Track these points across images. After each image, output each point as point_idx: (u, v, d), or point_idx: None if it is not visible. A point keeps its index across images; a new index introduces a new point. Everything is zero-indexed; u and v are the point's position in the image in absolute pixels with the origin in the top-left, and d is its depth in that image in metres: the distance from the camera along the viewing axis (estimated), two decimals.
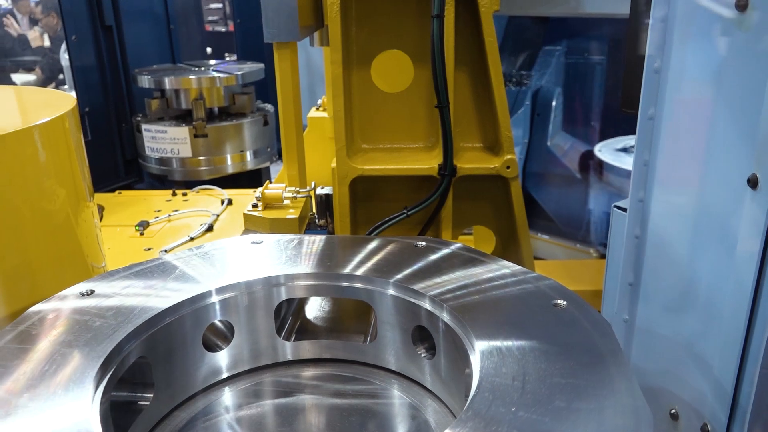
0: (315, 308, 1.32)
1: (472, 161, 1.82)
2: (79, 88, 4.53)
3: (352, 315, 1.29)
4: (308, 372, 1.15)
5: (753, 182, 0.87)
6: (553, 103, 4.79)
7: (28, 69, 5.36)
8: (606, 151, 3.69)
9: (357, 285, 1.10)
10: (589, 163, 4.61)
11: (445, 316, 0.99)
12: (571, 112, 4.91)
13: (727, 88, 0.92)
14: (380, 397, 1.09)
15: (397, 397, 1.08)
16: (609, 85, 4.46)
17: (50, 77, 5.28)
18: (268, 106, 4.39)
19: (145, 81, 4.22)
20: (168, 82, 4.13)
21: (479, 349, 0.88)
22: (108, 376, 0.88)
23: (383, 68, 1.86)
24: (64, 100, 1.65)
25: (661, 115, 1.04)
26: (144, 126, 4.17)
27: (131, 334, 0.95)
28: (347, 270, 1.12)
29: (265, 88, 4.78)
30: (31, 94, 1.85)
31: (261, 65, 4.36)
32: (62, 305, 1.03)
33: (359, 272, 1.10)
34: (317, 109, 3.13)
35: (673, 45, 1.00)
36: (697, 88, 0.98)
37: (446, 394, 1.05)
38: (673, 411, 1.10)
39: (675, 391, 1.09)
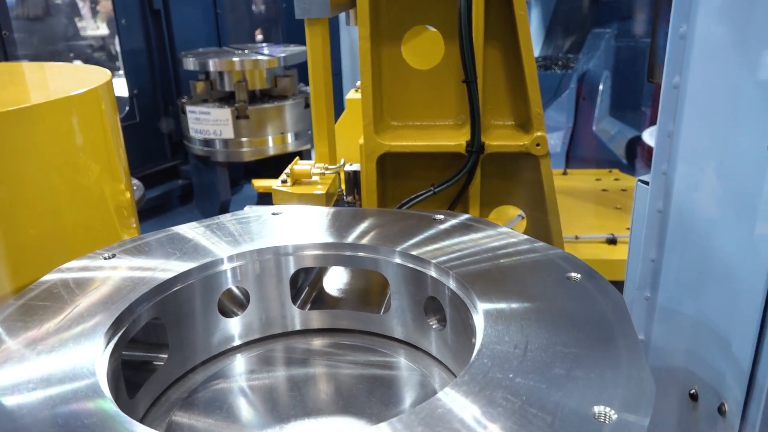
0: (334, 279, 1.33)
1: (501, 138, 1.79)
2: (128, 71, 4.66)
3: (370, 287, 1.29)
4: (320, 341, 1.16)
5: None
6: (600, 87, 4.67)
7: (86, 56, 5.52)
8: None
9: (361, 254, 1.10)
10: (637, 149, 4.49)
11: (452, 284, 0.98)
12: (620, 96, 4.78)
13: (753, 52, 0.88)
14: (390, 367, 1.09)
15: (406, 366, 1.08)
16: None
17: (110, 67, 5.43)
18: (308, 88, 4.42)
19: (190, 63, 4.30)
20: (212, 65, 4.20)
21: (484, 317, 0.87)
22: (119, 334, 0.91)
23: (413, 44, 1.84)
24: (99, 74, 1.70)
25: (686, 83, 1.00)
26: (188, 108, 4.26)
27: (143, 296, 0.97)
28: (354, 239, 1.12)
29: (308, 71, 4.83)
30: (68, 69, 1.90)
31: (303, 48, 4.37)
32: (82, 268, 1.06)
33: (365, 241, 1.10)
34: (356, 90, 3.13)
35: (699, 10, 0.95)
36: (722, 54, 0.93)
37: (455, 364, 1.04)
38: (692, 391, 1.06)
39: (695, 371, 1.06)
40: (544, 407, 0.70)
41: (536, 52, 5.49)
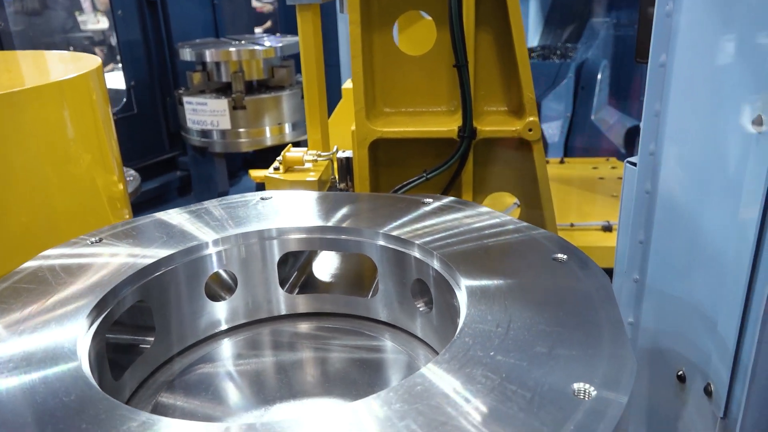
0: (323, 264, 1.33)
1: (494, 124, 1.79)
2: (125, 63, 4.65)
3: (360, 271, 1.29)
4: (307, 325, 1.16)
5: (758, 123, 0.82)
6: (599, 76, 4.64)
7: (84, 49, 5.51)
8: None
9: (344, 237, 1.09)
10: (636, 138, 4.48)
11: (436, 264, 0.98)
12: (618, 85, 4.76)
13: (738, 31, 0.87)
14: (376, 350, 1.09)
15: (393, 349, 1.08)
16: None
17: (110, 59, 5.40)
18: None
19: (186, 54, 4.29)
20: (209, 55, 4.19)
21: (467, 297, 0.87)
22: (103, 317, 0.91)
23: (405, 30, 1.83)
24: (89, 61, 1.69)
25: (672, 62, 0.99)
26: (185, 98, 4.25)
27: (127, 279, 0.97)
28: (338, 222, 1.11)
29: None
30: (58, 56, 1.90)
31: None
32: (68, 252, 1.06)
33: (349, 224, 1.10)
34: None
35: None
36: (708, 33, 0.93)
37: (441, 345, 1.04)
38: (680, 373, 1.06)
39: (683, 353, 1.05)
40: (524, 384, 0.70)
41: (534, 41, 5.46)
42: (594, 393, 0.68)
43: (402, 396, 0.69)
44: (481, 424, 0.64)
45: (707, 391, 0.97)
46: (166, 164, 4.96)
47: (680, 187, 1.02)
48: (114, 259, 1.02)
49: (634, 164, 1.12)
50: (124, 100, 4.66)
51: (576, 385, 0.69)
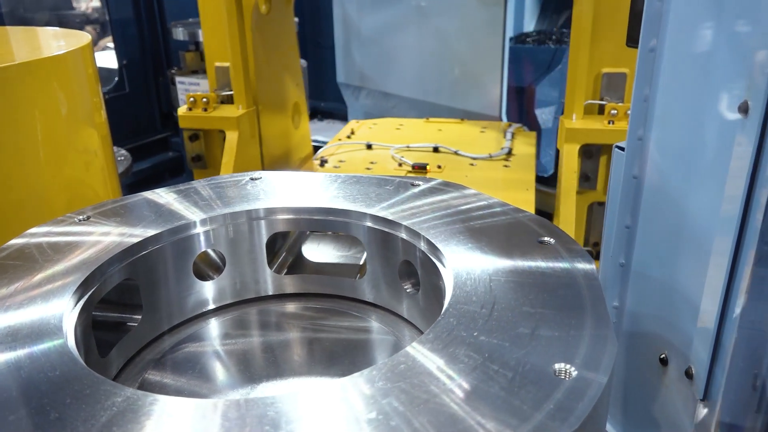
0: (312, 245, 1.33)
1: None
2: (117, 41, 4.61)
3: (349, 252, 1.29)
4: (295, 305, 1.17)
5: (743, 109, 0.82)
6: None
7: (75, 27, 5.45)
8: None
9: (332, 218, 1.10)
10: None
11: (422, 246, 0.99)
12: None
13: (727, 16, 0.87)
14: (363, 330, 1.10)
15: (379, 330, 1.09)
16: None
17: (101, 38, 5.35)
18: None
19: (180, 33, 4.25)
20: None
21: (453, 278, 0.87)
22: (89, 294, 0.91)
23: None
24: (79, 37, 1.68)
25: (662, 47, 1.00)
26: (178, 78, 4.21)
27: (114, 257, 0.97)
28: (327, 203, 1.11)
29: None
30: (48, 33, 1.88)
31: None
32: (56, 229, 1.05)
33: (337, 205, 1.10)
34: None
35: None
36: (696, 17, 0.93)
37: (427, 326, 1.04)
38: (662, 356, 1.07)
39: (666, 336, 1.07)
40: (506, 364, 0.70)
41: (530, 26, 5.45)
42: (575, 373, 0.69)
43: (386, 374, 0.70)
44: (463, 402, 0.64)
45: (688, 374, 0.98)
46: (159, 144, 4.95)
47: (667, 172, 1.03)
48: (101, 237, 1.02)
49: (623, 149, 1.12)
50: (116, 79, 4.63)
51: (557, 366, 0.70)
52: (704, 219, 0.95)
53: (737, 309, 0.88)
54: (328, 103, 6.33)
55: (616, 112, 2.53)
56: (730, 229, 0.86)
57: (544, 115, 4.67)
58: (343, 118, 6.12)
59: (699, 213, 0.96)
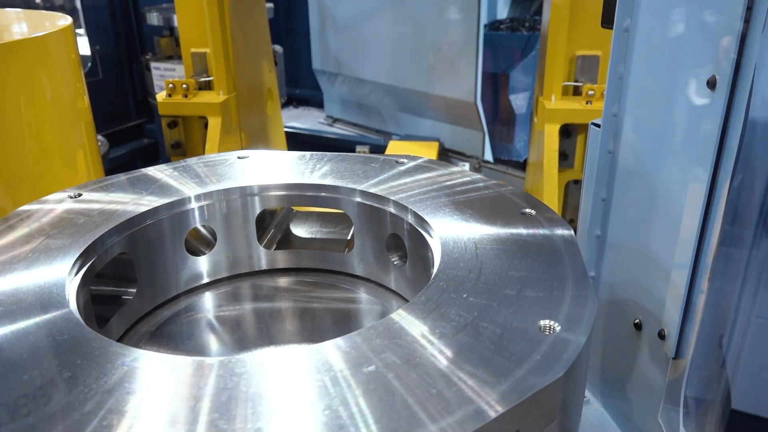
0: (300, 221, 1.36)
1: None
2: (89, 26, 4.55)
3: (335, 228, 1.33)
4: (285, 279, 1.20)
5: (711, 84, 0.88)
6: None
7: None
8: None
9: (323, 194, 1.13)
10: None
11: (410, 218, 1.03)
12: None
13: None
14: (352, 301, 1.14)
15: (368, 300, 1.13)
16: None
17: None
18: (277, 47, 4.38)
19: (154, 18, 4.22)
20: (176, 20, 4.12)
21: (441, 246, 0.92)
22: (88, 265, 0.93)
23: None
24: (60, 19, 1.68)
25: (636, 26, 1.05)
26: (153, 64, 4.18)
27: (112, 230, 0.99)
28: (317, 180, 1.15)
29: (276, 27, 4.77)
30: (29, 15, 1.87)
31: (270, 5, 4.32)
32: (50, 206, 1.07)
33: (328, 182, 1.14)
34: None
35: None
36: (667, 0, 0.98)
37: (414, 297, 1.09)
38: (636, 321, 1.13)
39: (640, 302, 1.13)
40: (494, 321, 0.75)
41: (503, 13, 5.50)
42: (558, 328, 0.74)
43: (380, 333, 0.74)
44: (455, 355, 0.69)
45: (661, 335, 1.04)
46: (133, 131, 4.90)
47: (640, 146, 1.08)
48: (97, 211, 1.04)
49: (598, 126, 1.18)
50: (89, 65, 4.57)
51: (542, 322, 0.75)
52: (674, 190, 1.01)
53: (705, 275, 0.94)
54: (303, 90, 6.33)
55: (593, 92, 2.62)
56: (698, 201, 0.92)
57: (518, 101, 4.73)
58: (319, 104, 6.13)
59: (670, 185, 1.02)
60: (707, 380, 1.03)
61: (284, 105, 4.93)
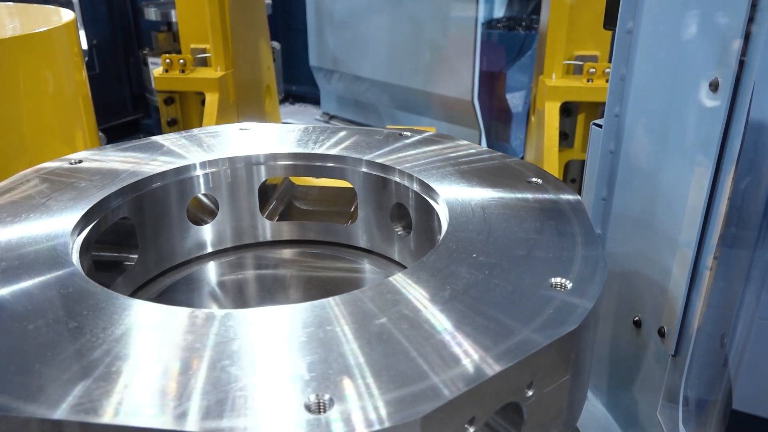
0: (303, 193, 1.36)
1: None
2: (86, 20, 4.54)
3: (338, 201, 1.32)
4: (288, 250, 1.19)
5: (714, 86, 0.88)
6: None
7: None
8: None
9: (330, 164, 1.13)
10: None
11: (416, 187, 1.02)
12: None
13: (700, 4, 0.92)
14: (355, 271, 1.13)
15: (371, 270, 1.12)
16: None
17: None
18: (275, 44, 4.37)
19: (151, 14, 4.20)
20: (174, 15, 4.11)
21: (448, 210, 0.91)
22: (90, 227, 0.92)
23: None
24: (63, 13, 1.67)
25: (638, 29, 1.05)
26: (150, 59, 4.17)
27: (115, 193, 0.98)
28: (322, 151, 1.14)
29: (273, 23, 4.76)
30: (33, 9, 1.87)
31: (268, 1, 4.32)
32: (51, 170, 1.06)
33: (334, 152, 1.13)
34: None
35: None
36: (672, 3, 0.97)
37: None
38: (636, 319, 1.13)
39: (640, 300, 1.13)
40: (506, 278, 0.74)
41: (500, 12, 5.52)
42: (570, 285, 0.73)
43: (392, 288, 0.73)
44: (468, 309, 0.68)
45: (661, 333, 1.05)
46: (130, 126, 4.88)
47: (641, 147, 1.08)
48: (100, 175, 1.03)
49: (600, 126, 1.18)
50: (86, 59, 4.55)
51: (553, 279, 0.74)
52: (675, 191, 1.01)
53: (705, 275, 0.95)
54: (300, 86, 6.32)
55: (594, 70, 2.62)
56: (699, 202, 0.93)
57: (514, 99, 4.74)
58: (316, 101, 6.12)
59: (671, 186, 1.02)
60: (709, 381, 1.03)
61: (281, 102, 4.91)
